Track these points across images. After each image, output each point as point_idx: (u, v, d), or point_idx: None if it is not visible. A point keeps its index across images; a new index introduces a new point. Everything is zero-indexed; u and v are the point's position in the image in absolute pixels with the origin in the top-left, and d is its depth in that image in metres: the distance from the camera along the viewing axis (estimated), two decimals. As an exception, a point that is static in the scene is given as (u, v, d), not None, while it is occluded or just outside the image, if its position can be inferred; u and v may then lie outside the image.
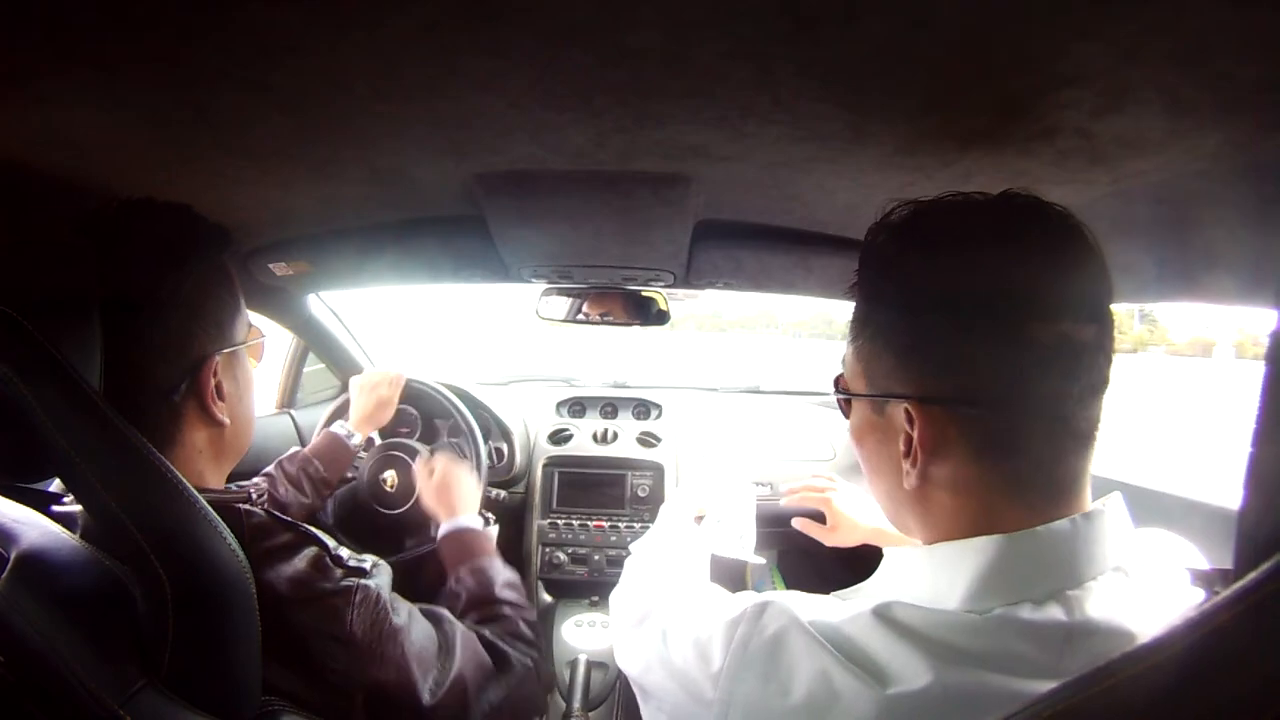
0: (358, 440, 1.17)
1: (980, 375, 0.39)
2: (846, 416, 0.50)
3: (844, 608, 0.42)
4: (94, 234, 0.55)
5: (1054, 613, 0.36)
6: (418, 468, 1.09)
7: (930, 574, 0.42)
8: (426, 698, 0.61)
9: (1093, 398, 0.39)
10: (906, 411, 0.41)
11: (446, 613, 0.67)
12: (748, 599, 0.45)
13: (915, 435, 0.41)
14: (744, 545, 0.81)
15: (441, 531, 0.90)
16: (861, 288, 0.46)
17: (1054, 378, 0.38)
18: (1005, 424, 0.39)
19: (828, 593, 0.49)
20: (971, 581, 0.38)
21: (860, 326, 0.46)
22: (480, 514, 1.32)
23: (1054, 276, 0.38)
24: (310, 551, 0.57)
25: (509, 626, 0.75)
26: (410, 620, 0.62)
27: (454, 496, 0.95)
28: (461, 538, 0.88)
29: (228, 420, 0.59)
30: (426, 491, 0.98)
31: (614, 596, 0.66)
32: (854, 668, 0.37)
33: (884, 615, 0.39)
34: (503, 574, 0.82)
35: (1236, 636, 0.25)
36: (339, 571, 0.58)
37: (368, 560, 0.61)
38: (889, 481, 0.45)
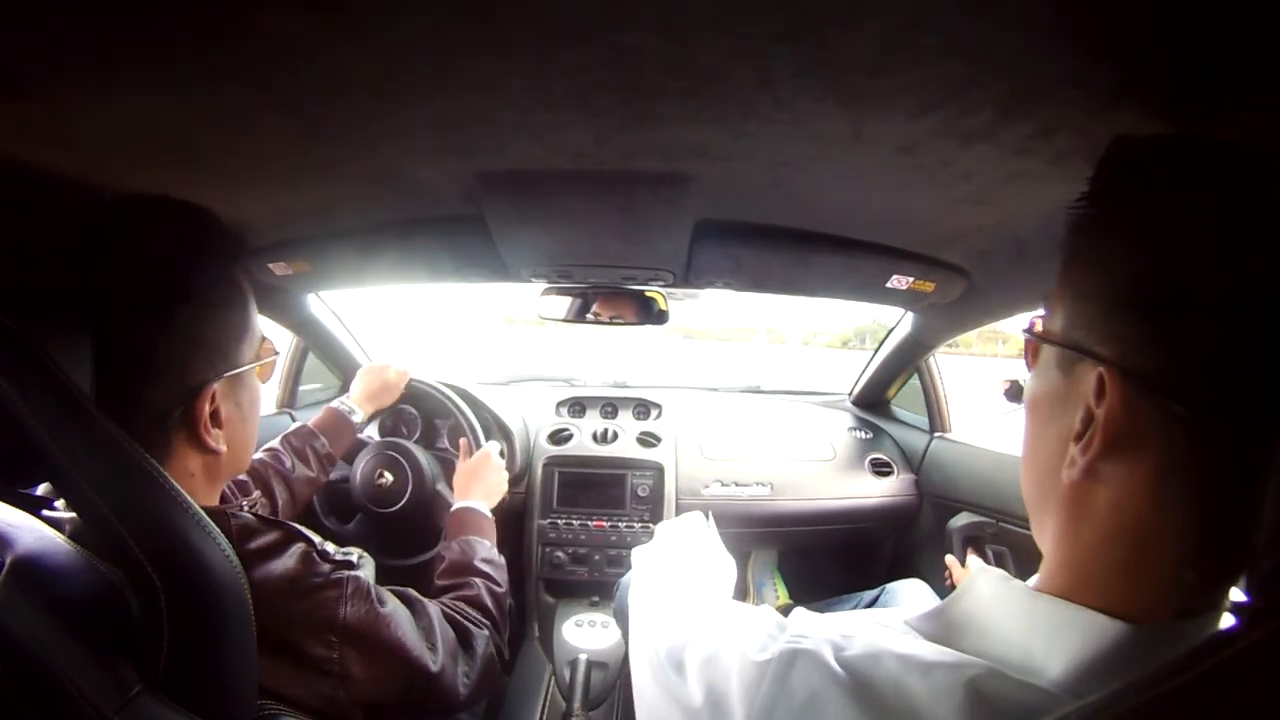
0: (359, 417, 1.19)
1: (1203, 362, 0.29)
2: (1030, 368, 0.39)
3: (916, 665, 0.33)
4: (96, 232, 0.52)
5: None
6: (462, 445, 1.20)
7: (1027, 632, 0.34)
8: (433, 668, 0.63)
9: None
10: (1100, 378, 0.32)
11: (414, 593, 0.70)
12: (770, 635, 0.39)
13: (1101, 412, 0.31)
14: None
15: (454, 507, 0.98)
16: (1091, 202, 0.35)
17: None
18: (1219, 442, 0.28)
19: (827, 593, 0.48)
20: (1076, 662, 0.32)
21: (1071, 257, 0.36)
22: None
23: None
24: (298, 548, 0.58)
25: (472, 596, 0.78)
26: (395, 607, 0.64)
27: (477, 483, 1.05)
28: (465, 515, 0.96)
29: (224, 448, 0.56)
30: (460, 471, 1.09)
31: (630, 604, 0.64)
32: None
33: (979, 692, 0.31)
34: (486, 550, 0.88)
35: (1247, 668, 0.24)
36: (327, 566, 0.58)
37: (353, 553, 0.63)
38: (1044, 467, 0.36)
